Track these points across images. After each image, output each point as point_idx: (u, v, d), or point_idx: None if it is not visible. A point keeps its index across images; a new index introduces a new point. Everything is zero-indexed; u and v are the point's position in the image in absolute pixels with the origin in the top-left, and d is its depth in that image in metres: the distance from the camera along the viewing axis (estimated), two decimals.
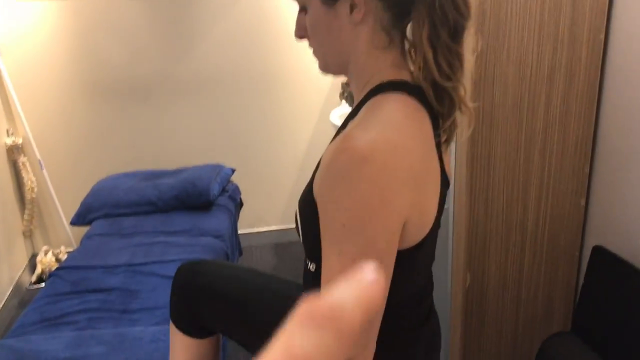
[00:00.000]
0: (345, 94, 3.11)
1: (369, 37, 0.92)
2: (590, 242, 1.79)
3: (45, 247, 3.16)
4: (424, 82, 0.87)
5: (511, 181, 1.73)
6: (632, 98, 1.58)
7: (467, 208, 1.75)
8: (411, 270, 0.93)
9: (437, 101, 0.89)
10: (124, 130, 3.12)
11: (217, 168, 2.86)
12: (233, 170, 2.96)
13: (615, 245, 1.67)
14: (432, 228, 0.90)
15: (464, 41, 0.89)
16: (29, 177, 3.04)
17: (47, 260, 3.03)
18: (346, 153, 0.78)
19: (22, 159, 3.01)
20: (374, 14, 0.90)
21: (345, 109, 3.03)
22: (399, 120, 0.84)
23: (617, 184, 1.68)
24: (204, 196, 2.63)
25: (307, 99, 3.28)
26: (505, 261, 1.82)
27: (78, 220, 2.70)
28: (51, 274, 2.22)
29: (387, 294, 0.73)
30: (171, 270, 2.13)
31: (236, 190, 2.96)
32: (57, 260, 3.07)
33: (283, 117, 3.32)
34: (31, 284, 3.01)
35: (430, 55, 0.85)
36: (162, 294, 2.03)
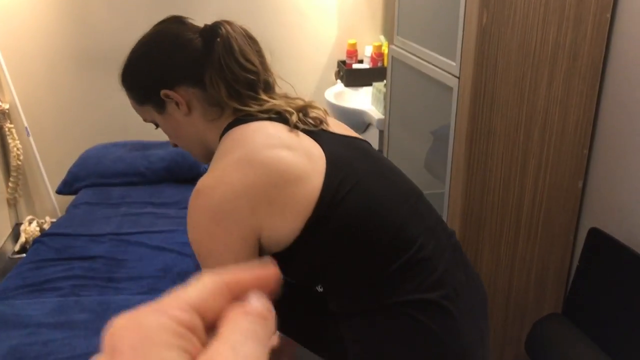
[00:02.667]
0: (341, 74, 3.07)
1: (203, 117, 1.04)
2: (585, 225, 1.78)
3: (29, 217, 3.11)
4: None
5: (509, 160, 1.70)
6: (636, 80, 1.56)
7: (463, 186, 1.72)
8: (341, 238, 0.95)
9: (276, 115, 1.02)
10: (114, 99, 3.05)
11: None
12: None
13: (611, 228, 1.66)
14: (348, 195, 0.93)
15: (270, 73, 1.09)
16: (14, 144, 2.97)
17: (31, 230, 2.98)
18: (193, 197, 0.92)
19: (7, 125, 2.94)
20: (195, 98, 1.04)
21: (340, 87, 3.00)
22: (241, 152, 0.92)
23: (616, 167, 1.66)
24: (194, 169, 2.59)
25: (301, 78, 3.24)
26: (499, 242, 1.80)
27: (64, 188, 2.64)
28: (35, 240, 2.17)
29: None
30: (159, 240, 2.11)
31: None
32: (42, 230, 3.02)
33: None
34: (14, 253, 2.96)
35: (239, 105, 1.00)
36: (149, 264, 1.99)
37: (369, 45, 3.03)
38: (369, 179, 0.98)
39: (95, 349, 1.35)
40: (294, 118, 1.00)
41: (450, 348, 0.96)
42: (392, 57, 2.24)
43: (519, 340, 1.91)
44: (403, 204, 1.00)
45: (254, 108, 1.01)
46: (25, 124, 2.97)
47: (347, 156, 1.00)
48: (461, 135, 1.69)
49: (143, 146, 2.80)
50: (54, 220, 3.01)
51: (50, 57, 2.98)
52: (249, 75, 1.01)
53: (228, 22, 1.04)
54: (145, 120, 1.14)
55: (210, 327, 0.28)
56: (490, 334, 1.11)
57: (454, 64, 1.69)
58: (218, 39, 1.01)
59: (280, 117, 1.01)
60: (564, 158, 1.73)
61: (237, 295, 0.30)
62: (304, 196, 0.91)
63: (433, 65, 1.86)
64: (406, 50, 2.10)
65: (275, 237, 0.93)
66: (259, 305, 0.29)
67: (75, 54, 2.99)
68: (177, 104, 1.04)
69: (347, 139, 1.06)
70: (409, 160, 2.38)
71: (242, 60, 1.00)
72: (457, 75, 1.68)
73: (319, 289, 0.98)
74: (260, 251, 0.95)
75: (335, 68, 3.18)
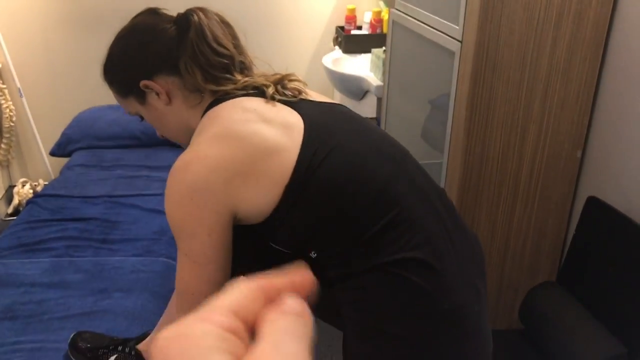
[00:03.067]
0: (340, 40, 3.03)
1: (184, 104, 1.06)
2: (583, 194, 1.77)
3: (22, 179, 3.08)
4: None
5: (509, 127, 1.69)
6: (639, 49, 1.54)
7: (462, 152, 1.71)
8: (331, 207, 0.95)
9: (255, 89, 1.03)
10: None
11: None
12: None
13: (609, 198, 1.65)
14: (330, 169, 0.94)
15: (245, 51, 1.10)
16: (7, 105, 2.93)
17: (24, 192, 2.95)
18: (170, 173, 0.94)
19: (0, 86, 2.89)
20: (175, 86, 1.05)
21: (338, 54, 2.96)
22: (217, 128, 0.95)
23: (615, 137, 1.65)
24: None
25: (299, 44, 3.19)
26: (496, 210, 1.80)
27: (58, 150, 2.61)
28: (29, 201, 2.15)
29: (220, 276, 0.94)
30: (154, 203, 2.09)
31: None
32: (35, 192, 2.99)
33: (275, 61, 3.22)
34: (7, 215, 2.94)
35: (216, 87, 1.02)
36: (144, 226, 1.98)
37: (368, 11, 2.98)
38: (349, 141, 0.98)
39: (90, 309, 1.33)
40: (271, 90, 1.01)
41: (441, 304, 0.95)
42: (393, 20, 2.20)
43: (513, 308, 1.92)
44: (386, 163, 1.00)
45: (230, 87, 1.02)
46: (18, 85, 2.92)
47: (325, 121, 1.00)
48: (462, 101, 1.67)
49: None
50: (47, 183, 2.98)
51: (45, 17, 2.91)
52: (222, 60, 1.03)
53: (201, 9, 1.05)
54: (130, 113, 1.14)
55: (251, 331, 0.30)
56: (487, 293, 1.11)
57: (457, 27, 1.66)
58: (191, 27, 1.02)
59: (258, 91, 1.03)
60: (564, 127, 1.71)
61: (273, 299, 0.31)
62: (279, 167, 0.92)
63: (435, 29, 1.83)
64: (407, 14, 2.06)
65: (255, 208, 0.94)
66: (295, 304, 0.30)
67: (71, 14, 2.93)
68: (157, 94, 1.06)
69: (326, 105, 1.07)
70: (406, 128, 2.36)
71: (214, 45, 1.02)
72: (460, 39, 1.65)
73: (313, 255, 0.97)
74: (244, 222, 0.97)
75: (333, 34, 3.13)
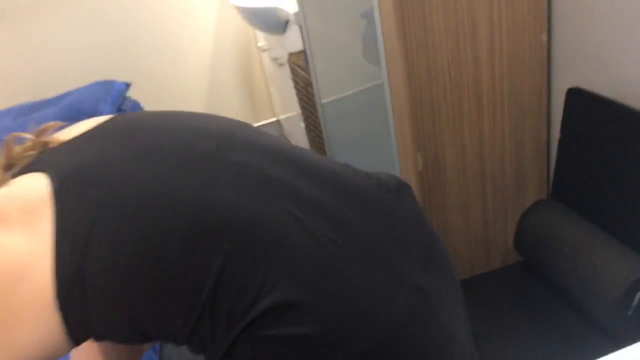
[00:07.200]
0: None
1: None
2: (558, 87, 1.45)
3: None
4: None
5: (454, 25, 1.33)
6: None
7: (404, 76, 1.36)
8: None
9: None
10: None
11: (107, 85, 2.37)
12: (128, 85, 2.48)
13: (589, 86, 1.33)
14: None
15: None
16: None
17: None
18: None
19: None
20: None
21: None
22: None
23: (584, 8, 1.30)
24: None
25: None
26: (460, 129, 1.47)
27: None
28: None
29: None
30: None
31: (136, 106, 2.50)
32: None
33: (179, 12, 2.80)
34: None
35: None
36: None
37: None
38: (125, 177, 0.67)
39: None
40: None
41: (351, 346, 0.63)
42: None
43: (505, 237, 1.63)
44: (192, 172, 0.68)
45: None
46: None
47: (83, 164, 0.69)
48: (388, 5, 1.31)
49: (31, 108, 2.36)
50: None
51: None
52: None
53: None
54: None
55: None
56: (449, 275, 0.78)
57: None
58: None
59: None
60: (520, 8, 1.36)
61: None
62: (34, 293, 0.63)
63: None
64: None
65: (45, 351, 0.65)
66: None
67: None
68: None
69: (84, 137, 0.75)
70: (340, 53, 2.00)
71: None
72: None
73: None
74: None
75: None
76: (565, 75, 1.43)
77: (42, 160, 0.72)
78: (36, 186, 0.67)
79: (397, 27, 1.30)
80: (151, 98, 2.78)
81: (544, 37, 1.41)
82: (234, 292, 0.62)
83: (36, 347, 0.64)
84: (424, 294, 0.68)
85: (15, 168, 0.72)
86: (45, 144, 0.75)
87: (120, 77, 2.59)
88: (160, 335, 0.67)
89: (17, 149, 0.75)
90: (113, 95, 2.32)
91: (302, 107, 2.49)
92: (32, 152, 0.74)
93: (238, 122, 0.79)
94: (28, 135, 0.77)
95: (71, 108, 2.22)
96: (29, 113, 2.32)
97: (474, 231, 1.60)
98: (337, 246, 0.65)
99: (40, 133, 0.78)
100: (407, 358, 0.65)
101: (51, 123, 0.81)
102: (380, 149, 1.71)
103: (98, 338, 0.68)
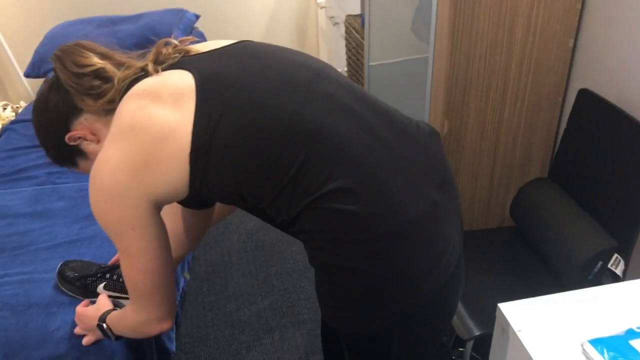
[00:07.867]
0: None
1: (108, 130, 1.01)
2: (575, 86, 1.70)
3: (3, 102, 3.00)
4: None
5: (497, 17, 1.58)
6: None
7: (448, 50, 1.62)
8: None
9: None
10: None
11: (180, 13, 2.64)
12: (197, 16, 2.74)
13: (601, 89, 1.58)
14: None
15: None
16: None
17: (5, 116, 2.88)
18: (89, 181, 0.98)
19: None
20: (90, 122, 1.04)
21: None
22: (115, 127, 0.95)
23: (609, 24, 1.55)
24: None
25: None
26: (485, 107, 1.73)
27: (32, 71, 2.52)
28: (5, 128, 2.09)
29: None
30: None
31: (202, 38, 2.76)
32: (17, 115, 2.92)
33: None
34: None
35: (104, 99, 1.00)
36: None
37: None
38: (247, 85, 0.95)
39: (77, 236, 1.35)
40: (150, 67, 0.99)
41: (381, 225, 0.92)
42: None
43: (504, 205, 1.90)
44: (292, 92, 0.95)
45: (114, 90, 1.00)
46: None
47: (221, 70, 0.97)
48: None
49: (111, 21, 2.63)
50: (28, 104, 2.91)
51: None
52: (91, 79, 1.01)
53: (58, 49, 1.04)
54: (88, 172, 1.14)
55: None
56: (456, 201, 1.06)
57: None
58: (54, 70, 1.03)
59: (144, 73, 1.01)
60: (555, 14, 1.61)
61: None
62: (175, 148, 0.92)
63: None
64: None
65: (171, 189, 0.95)
66: None
67: None
68: (85, 139, 1.07)
69: (223, 51, 1.03)
70: (394, 23, 2.24)
71: (79, 70, 1.01)
72: None
73: (260, 205, 0.98)
74: (173, 201, 1.00)
75: None
76: (582, 77, 1.68)
77: (186, 62, 0.99)
78: (184, 79, 0.95)
79: (450, 11, 1.55)
80: (212, 33, 3.03)
81: (571, 42, 1.66)
82: (310, 176, 0.91)
83: (166, 185, 0.94)
84: (435, 205, 0.97)
85: (164, 65, 1.00)
86: (187, 51, 1.03)
87: (188, 7, 2.84)
88: (252, 197, 0.96)
89: (166, 50, 1.03)
90: (185, 24, 2.59)
91: (349, 66, 2.74)
92: (177, 55, 1.02)
93: (324, 62, 1.07)
94: (174, 41, 1.05)
95: (147, 27, 2.49)
96: (109, 25, 2.59)
97: (479, 195, 1.88)
98: (383, 160, 0.94)
99: (182, 42, 1.05)
100: (414, 246, 0.94)
101: (189, 37, 1.08)
102: (412, 114, 1.97)
103: (206, 191, 0.97)
